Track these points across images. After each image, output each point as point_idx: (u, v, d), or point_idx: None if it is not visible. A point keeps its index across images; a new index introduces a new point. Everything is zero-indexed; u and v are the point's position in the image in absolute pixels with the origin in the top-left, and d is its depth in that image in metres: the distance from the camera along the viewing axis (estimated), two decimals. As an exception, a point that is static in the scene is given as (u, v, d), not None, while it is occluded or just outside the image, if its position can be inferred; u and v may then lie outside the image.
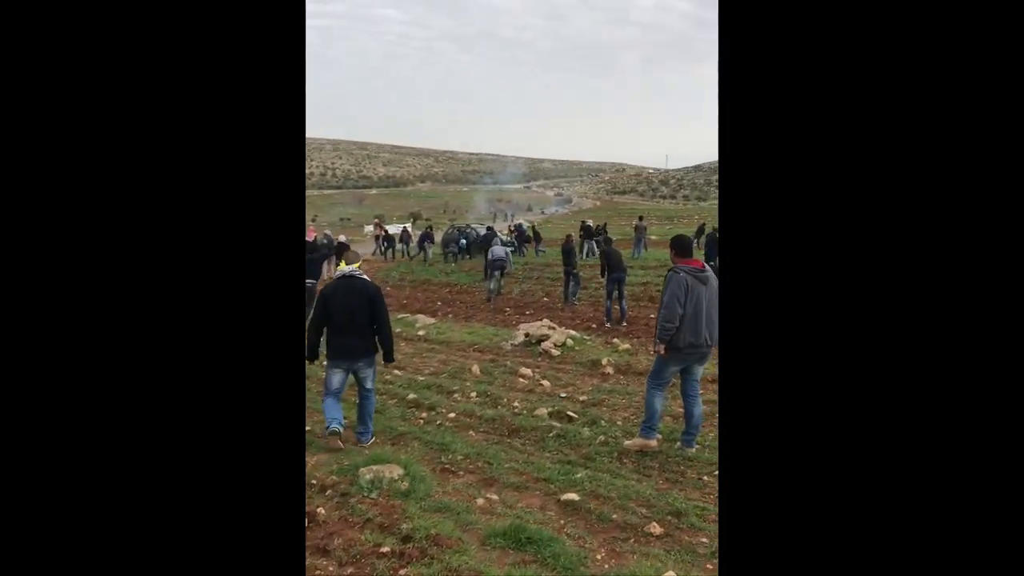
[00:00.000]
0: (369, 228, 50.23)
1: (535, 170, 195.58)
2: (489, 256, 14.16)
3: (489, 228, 24.59)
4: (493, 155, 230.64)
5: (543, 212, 77.87)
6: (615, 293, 10.26)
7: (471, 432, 5.16)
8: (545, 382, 6.65)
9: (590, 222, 25.19)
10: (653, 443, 4.54)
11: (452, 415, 5.57)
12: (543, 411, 5.59)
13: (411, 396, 6.14)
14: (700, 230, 20.99)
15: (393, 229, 29.15)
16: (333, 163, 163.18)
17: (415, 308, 12.76)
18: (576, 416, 5.47)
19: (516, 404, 5.86)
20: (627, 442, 4.66)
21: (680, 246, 4.56)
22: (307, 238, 18.80)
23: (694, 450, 4.54)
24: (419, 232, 26.25)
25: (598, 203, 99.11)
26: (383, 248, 24.85)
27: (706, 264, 4.58)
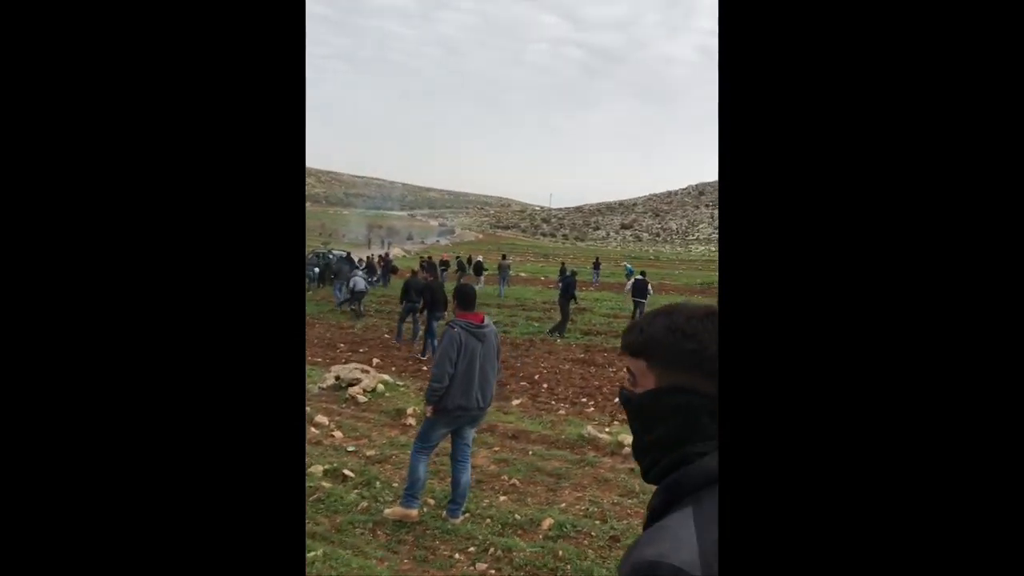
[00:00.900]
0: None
1: (421, 198, 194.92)
2: (352, 287, 14.58)
3: (347, 256, 23.65)
4: (378, 180, 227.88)
5: (423, 241, 77.33)
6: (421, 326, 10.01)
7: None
8: (338, 433, 6.12)
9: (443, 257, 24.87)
10: (413, 513, 4.13)
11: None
12: (318, 468, 5.06)
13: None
14: (561, 271, 21.24)
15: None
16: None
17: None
18: (352, 475, 4.98)
19: (291, 460, 5.29)
20: (387, 511, 4.23)
21: (462, 297, 4.25)
22: None
23: (459, 521, 4.18)
24: None
25: (481, 236, 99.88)
26: None
27: (487, 318, 4.29)
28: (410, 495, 4.14)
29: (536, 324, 14.63)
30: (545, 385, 8.84)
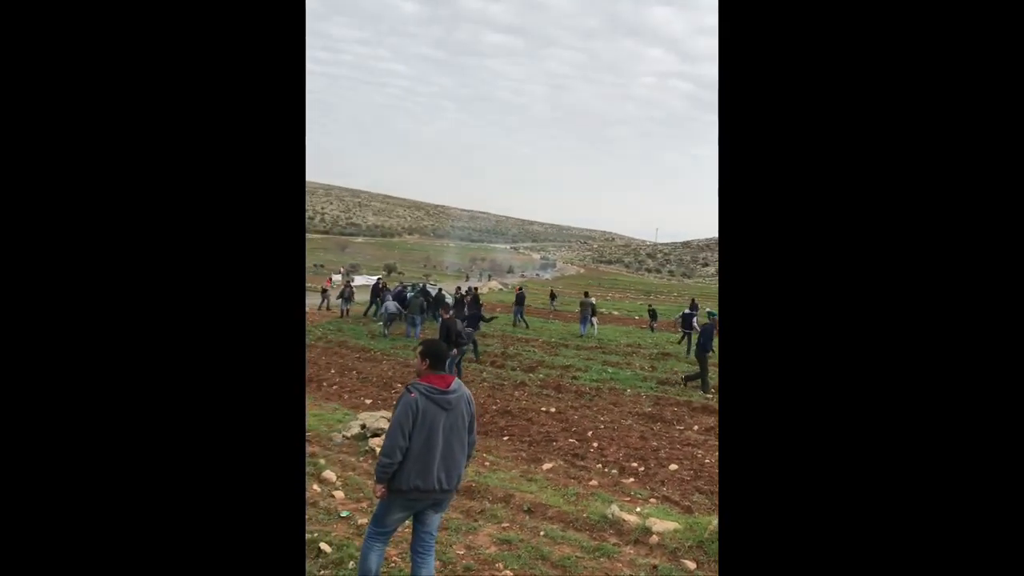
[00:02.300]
0: (337, 277, 49.46)
1: (524, 232, 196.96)
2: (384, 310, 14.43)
3: (439, 290, 23.48)
4: (484, 213, 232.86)
5: (523, 275, 77.58)
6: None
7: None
8: (340, 493, 5.56)
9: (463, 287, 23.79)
10: (362, 614, 3.45)
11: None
12: (295, 538, 4.49)
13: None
14: (652, 314, 19.99)
15: (361, 280, 27.90)
16: (323, 208, 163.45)
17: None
18: (329, 551, 4.38)
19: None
20: (335, 607, 3.57)
21: (432, 355, 3.54)
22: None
23: (420, 626, 3.47)
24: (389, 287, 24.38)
25: (582, 270, 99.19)
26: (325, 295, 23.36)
27: (459, 380, 3.58)
28: (359, 591, 3.47)
29: (611, 370, 13.68)
30: (596, 444, 7.95)
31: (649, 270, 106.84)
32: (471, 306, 18.91)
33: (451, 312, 12.40)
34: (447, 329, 10.88)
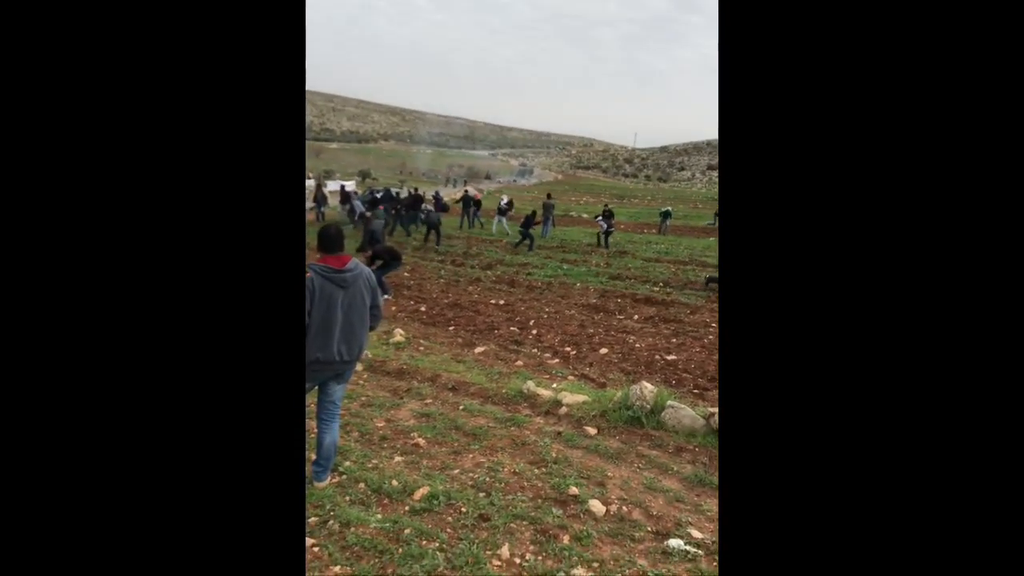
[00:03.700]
0: (310, 183, 48.49)
1: (503, 138, 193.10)
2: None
3: (413, 191, 23.35)
4: (462, 119, 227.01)
5: (499, 181, 76.76)
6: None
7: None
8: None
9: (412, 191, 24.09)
10: (270, 473, 3.71)
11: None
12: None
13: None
14: (606, 214, 20.21)
15: (334, 186, 27.43)
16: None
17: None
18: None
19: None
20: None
21: (322, 239, 3.64)
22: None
23: (324, 484, 3.74)
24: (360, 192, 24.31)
25: (560, 176, 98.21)
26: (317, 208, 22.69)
27: (356, 259, 3.70)
28: (266, 453, 3.71)
29: (566, 267, 13.92)
30: (535, 332, 8.23)
31: (626, 175, 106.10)
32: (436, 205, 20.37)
33: (372, 213, 12.74)
34: (370, 233, 10.87)
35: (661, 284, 11.95)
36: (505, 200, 22.61)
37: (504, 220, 20.68)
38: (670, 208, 27.67)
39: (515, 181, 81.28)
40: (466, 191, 27.81)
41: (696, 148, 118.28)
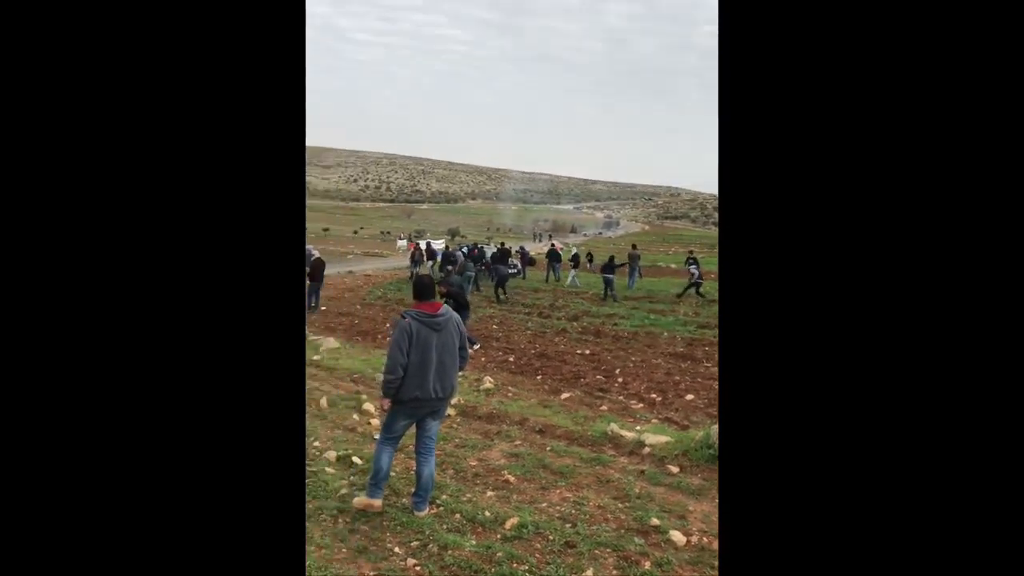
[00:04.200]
0: (402, 243, 50.67)
1: (587, 191, 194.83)
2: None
3: (500, 246, 24.21)
4: (546, 175, 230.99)
5: (585, 234, 77.31)
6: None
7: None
8: (375, 422, 6.28)
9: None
10: (376, 503, 4.11)
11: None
12: (332, 455, 5.23)
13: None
14: (690, 260, 20.17)
15: (432, 244, 28.86)
16: (388, 176, 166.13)
17: (333, 329, 12.53)
18: (360, 463, 5.09)
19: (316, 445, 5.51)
20: (355, 499, 4.25)
21: (417, 288, 4.15)
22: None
23: (423, 514, 4.10)
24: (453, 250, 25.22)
25: (647, 227, 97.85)
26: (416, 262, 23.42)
27: (447, 305, 4.16)
28: (373, 485, 4.13)
29: (653, 317, 14.01)
30: (620, 379, 8.42)
31: (716, 224, 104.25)
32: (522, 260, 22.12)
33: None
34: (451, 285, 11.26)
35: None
36: (574, 251, 23.16)
37: (575, 273, 21.00)
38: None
39: (601, 233, 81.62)
40: (552, 245, 28.41)
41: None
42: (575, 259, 22.49)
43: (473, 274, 18.46)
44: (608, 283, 16.79)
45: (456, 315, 4.15)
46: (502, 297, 16.85)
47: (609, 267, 17.01)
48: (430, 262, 23.96)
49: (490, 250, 23.82)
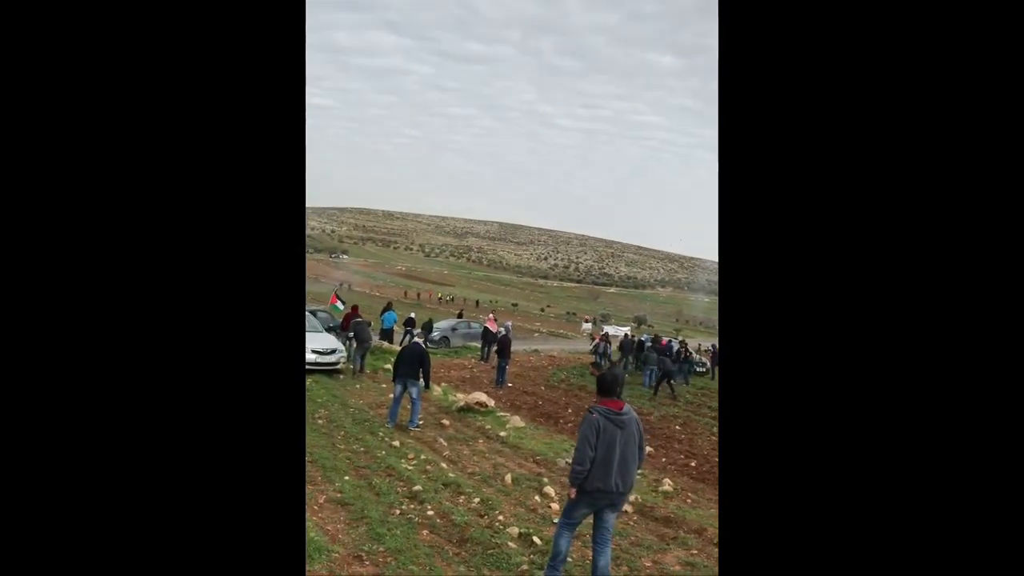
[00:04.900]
0: (587, 326, 51.35)
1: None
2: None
3: (681, 342, 23.81)
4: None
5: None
6: None
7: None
8: (554, 505, 6.58)
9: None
10: (554, 584, 4.39)
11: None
12: (514, 531, 5.61)
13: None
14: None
15: (614, 331, 28.62)
16: (577, 257, 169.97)
17: (518, 408, 13.00)
18: (539, 543, 5.41)
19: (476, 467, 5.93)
20: (535, 577, 4.56)
21: (601, 385, 4.49)
22: (490, 327, 19.95)
23: (598, 604, 4.30)
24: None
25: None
26: (600, 354, 22.06)
27: (627, 406, 4.44)
28: (552, 566, 4.42)
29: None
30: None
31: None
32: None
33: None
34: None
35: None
36: None
37: None
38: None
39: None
40: None
41: None
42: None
43: (655, 368, 18.28)
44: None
45: (636, 415, 4.43)
46: (665, 392, 16.56)
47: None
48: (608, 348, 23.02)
49: (676, 344, 23.41)
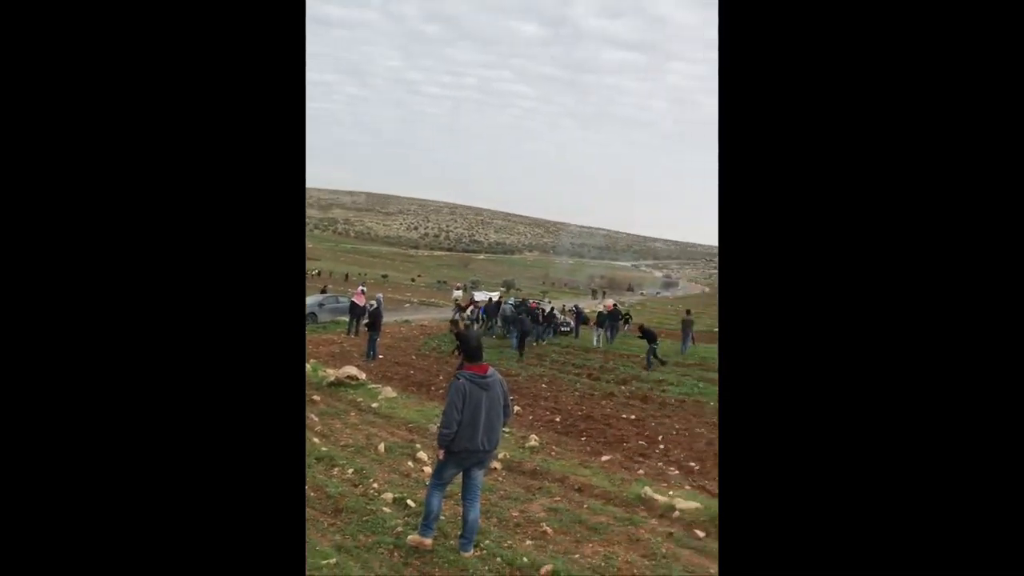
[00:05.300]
0: (457, 293, 51.70)
1: (646, 249, 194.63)
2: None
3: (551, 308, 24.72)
4: (604, 230, 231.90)
5: (643, 294, 77.05)
6: None
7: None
8: (427, 469, 6.82)
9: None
10: (427, 541, 4.64)
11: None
12: (388, 496, 5.79)
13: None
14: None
15: (481, 296, 29.21)
16: (447, 225, 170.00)
17: (390, 378, 13.16)
18: (413, 505, 5.62)
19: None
20: (408, 537, 4.79)
21: (466, 350, 4.75)
22: (358, 301, 19.83)
23: (468, 554, 4.60)
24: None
25: (707, 289, 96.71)
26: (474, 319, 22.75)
27: (491, 369, 4.73)
28: (425, 525, 4.66)
29: (702, 385, 14.21)
30: (662, 446, 8.76)
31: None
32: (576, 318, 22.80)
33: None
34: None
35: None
36: (603, 307, 23.29)
37: (601, 332, 20.86)
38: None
39: (659, 293, 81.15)
40: (613, 304, 28.63)
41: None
42: (611, 317, 21.91)
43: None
44: (650, 352, 16.81)
45: (501, 377, 4.73)
46: (524, 352, 17.29)
47: (646, 335, 17.08)
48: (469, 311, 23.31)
49: (549, 307, 24.36)
